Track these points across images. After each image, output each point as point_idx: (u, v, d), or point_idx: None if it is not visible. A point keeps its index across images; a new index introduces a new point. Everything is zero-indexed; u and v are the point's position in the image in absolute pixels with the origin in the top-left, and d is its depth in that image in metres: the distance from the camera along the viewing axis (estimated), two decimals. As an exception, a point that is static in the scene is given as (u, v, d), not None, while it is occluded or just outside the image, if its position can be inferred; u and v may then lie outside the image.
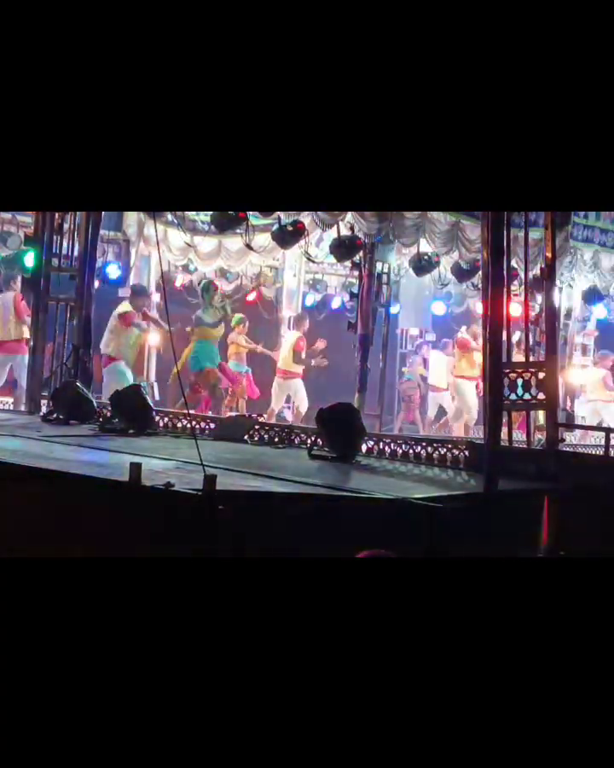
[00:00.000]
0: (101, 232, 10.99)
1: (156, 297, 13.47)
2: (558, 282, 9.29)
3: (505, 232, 7.37)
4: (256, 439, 8.89)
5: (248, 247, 11.55)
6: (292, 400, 14.19)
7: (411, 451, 7.98)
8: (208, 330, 12.97)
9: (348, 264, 11.81)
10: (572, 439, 10.98)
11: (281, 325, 14.48)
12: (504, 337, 7.30)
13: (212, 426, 9.24)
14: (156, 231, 9.53)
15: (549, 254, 8.12)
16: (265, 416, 11.99)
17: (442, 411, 15.61)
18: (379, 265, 11.15)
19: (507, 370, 7.34)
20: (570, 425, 10.88)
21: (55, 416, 9.48)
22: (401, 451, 8.05)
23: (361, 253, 10.98)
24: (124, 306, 12.44)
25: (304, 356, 13.70)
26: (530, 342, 8.47)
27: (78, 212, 10.15)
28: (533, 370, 7.46)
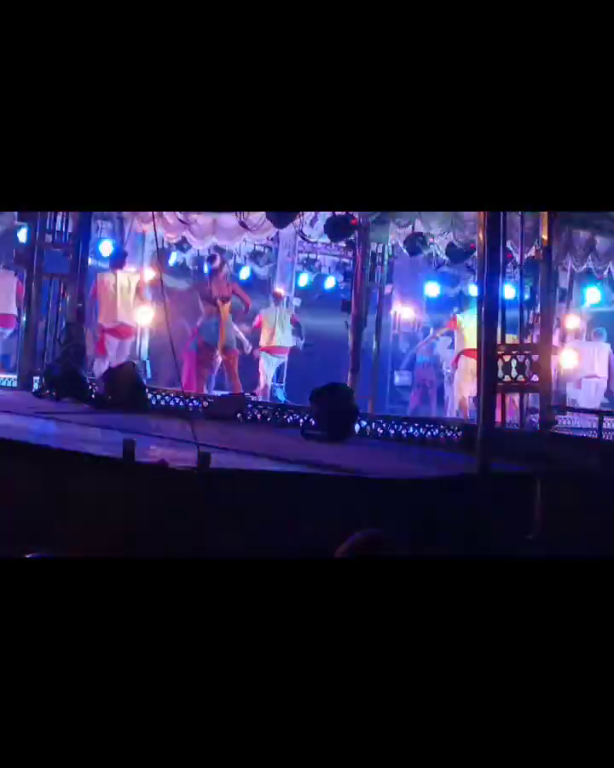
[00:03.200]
0: (95, 208, 10.94)
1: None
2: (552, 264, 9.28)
3: (501, 214, 7.36)
4: (248, 417, 8.90)
5: (242, 225, 11.52)
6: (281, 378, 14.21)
7: (404, 432, 7.99)
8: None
9: (342, 243, 11.78)
10: (566, 422, 10.99)
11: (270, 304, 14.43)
12: (499, 319, 7.30)
13: (205, 404, 9.24)
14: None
15: (545, 237, 8.13)
16: (258, 394, 11.98)
17: None
18: (373, 245, 11.12)
19: (501, 352, 7.35)
20: (563, 407, 10.90)
21: (47, 392, 9.48)
22: (393, 432, 8.06)
23: (355, 233, 10.95)
24: None
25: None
26: (524, 324, 8.49)
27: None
28: (527, 352, 7.47)
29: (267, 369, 13.82)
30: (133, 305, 12.05)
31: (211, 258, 13.05)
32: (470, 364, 13.26)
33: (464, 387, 13.08)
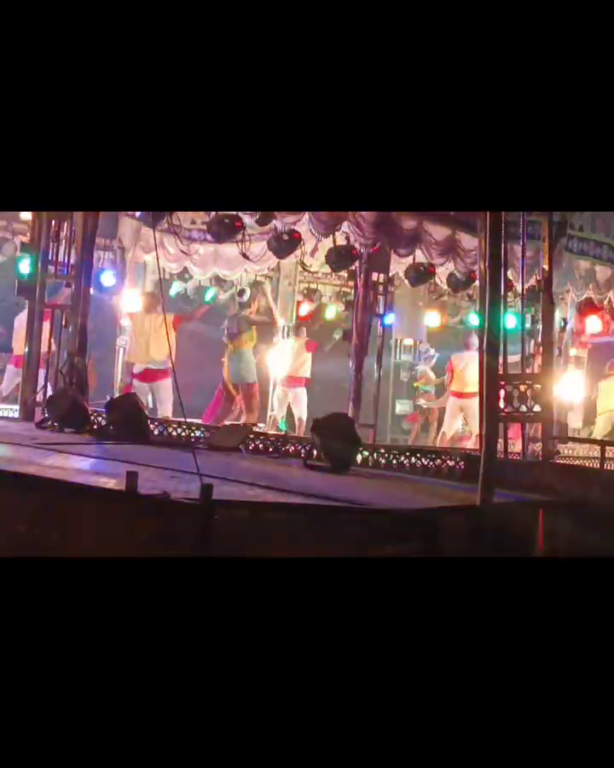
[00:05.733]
0: (97, 239, 10.98)
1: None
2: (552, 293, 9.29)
3: (503, 242, 7.36)
4: (251, 448, 8.88)
5: (244, 256, 11.54)
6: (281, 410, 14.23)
7: (406, 462, 7.98)
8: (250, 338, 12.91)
9: (343, 273, 11.81)
10: (568, 451, 10.97)
11: (277, 334, 14.47)
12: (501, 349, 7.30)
13: (207, 435, 9.23)
14: (155, 238, 9.52)
15: (546, 267, 8.15)
16: (263, 425, 11.96)
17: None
18: (374, 275, 11.15)
19: (503, 382, 7.35)
20: (565, 437, 10.89)
21: (49, 423, 9.47)
22: (396, 462, 8.04)
23: (356, 263, 10.98)
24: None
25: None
26: (526, 354, 8.50)
27: (74, 219, 10.14)
28: (529, 382, 7.47)
29: (278, 405, 13.88)
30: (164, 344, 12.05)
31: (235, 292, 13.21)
32: (458, 402, 13.38)
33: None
